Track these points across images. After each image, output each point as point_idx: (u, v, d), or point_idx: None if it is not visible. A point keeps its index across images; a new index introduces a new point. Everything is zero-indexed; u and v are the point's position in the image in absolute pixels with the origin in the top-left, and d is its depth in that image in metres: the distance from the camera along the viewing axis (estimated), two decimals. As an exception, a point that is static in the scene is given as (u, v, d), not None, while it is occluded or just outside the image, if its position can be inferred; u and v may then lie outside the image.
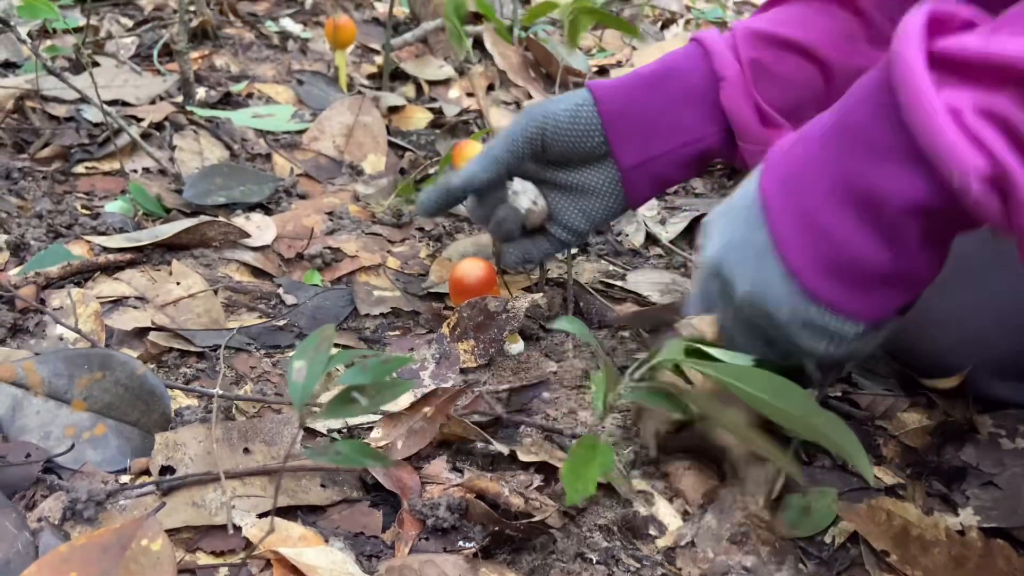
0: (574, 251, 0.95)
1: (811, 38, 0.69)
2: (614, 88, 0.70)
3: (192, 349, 0.66)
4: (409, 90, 1.40)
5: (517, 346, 0.72)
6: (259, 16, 1.59)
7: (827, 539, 0.58)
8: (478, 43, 1.63)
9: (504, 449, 0.60)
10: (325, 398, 0.65)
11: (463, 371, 0.68)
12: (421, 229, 0.95)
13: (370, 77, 1.43)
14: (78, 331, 0.62)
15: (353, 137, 1.12)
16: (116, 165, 0.94)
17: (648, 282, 0.88)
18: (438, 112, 1.28)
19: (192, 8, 1.38)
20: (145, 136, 0.98)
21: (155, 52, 1.21)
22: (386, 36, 1.33)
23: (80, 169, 0.92)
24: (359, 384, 0.34)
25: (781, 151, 0.54)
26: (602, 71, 1.69)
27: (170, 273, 0.74)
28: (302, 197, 0.98)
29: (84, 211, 0.85)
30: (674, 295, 0.86)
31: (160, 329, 0.66)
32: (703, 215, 1.07)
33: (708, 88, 0.68)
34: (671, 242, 1.01)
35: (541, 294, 0.80)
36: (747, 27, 0.70)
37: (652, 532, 0.56)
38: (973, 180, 0.41)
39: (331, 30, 1.24)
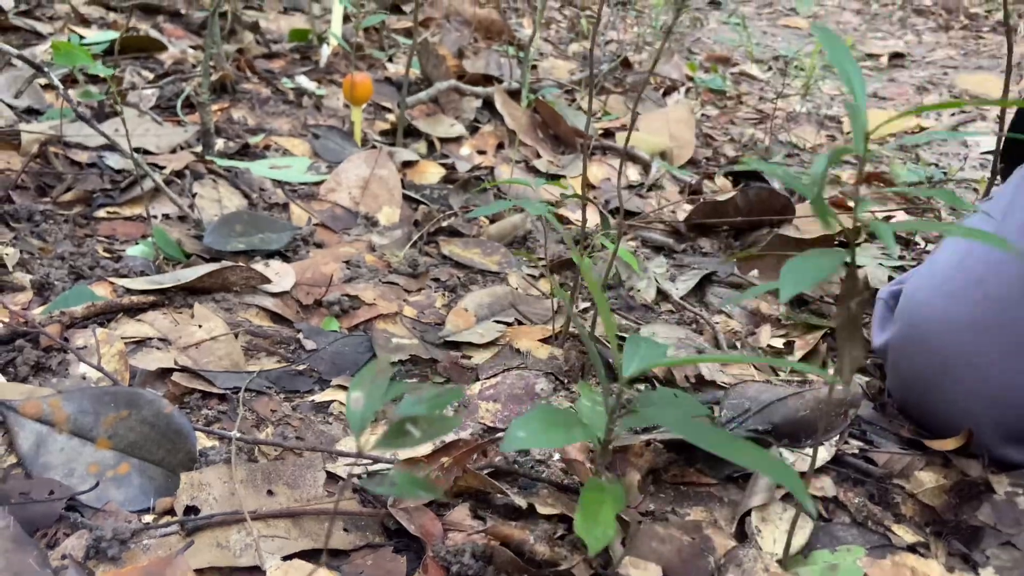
0: (584, 306, 0.97)
1: None
2: None
3: (213, 391, 0.66)
4: (421, 147, 1.43)
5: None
6: (275, 73, 1.63)
7: (852, 595, 0.57)
8: (488, 104, 1.67)
9: (522, 502, 0.60)
10: (343, 445, 0.65)
11: (482, 425, 0.68)
12: (436, 279, 0.96)
13: (383, 133, 1.46)
14: (102, 370, 0.62)
15: (369, 189, 1.14)
16: (137, 210, 0.95)
17: (661, 336, 0.89)
18: (450, 168, 1.31)
19: (212, 64, 1.41)
20: (166, 184, 1.00)
21: (178, 104, 1.23)
22: (402, 94, 1.37)
23: (102, 214, 0.93)
24: (413, 415, 0.34)
25: None
26: (607, 133, 1.73)
27: (192, 316, 0.74)
28: (319, 246, 1.00)
29: (105, 254, 0.85)
30: (688, 350, 0.87)
31: (183, 370, 0.66)
32: (712, 273, 1.09)
33: None
34: (682, 299, 1.02)
35: (561, 350, 0.80)
36: None
37: (676, 586, 0.56)
38: None
39: (349, 86, 1.27)
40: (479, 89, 1.62)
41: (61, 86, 0.84)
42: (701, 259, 1.17)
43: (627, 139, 0.95)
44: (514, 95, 1.69)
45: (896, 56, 3.27)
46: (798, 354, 0.89)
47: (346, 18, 2.07)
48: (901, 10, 4.41)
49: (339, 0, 1.40)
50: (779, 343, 0.93)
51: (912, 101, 2.59)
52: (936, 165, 1.95)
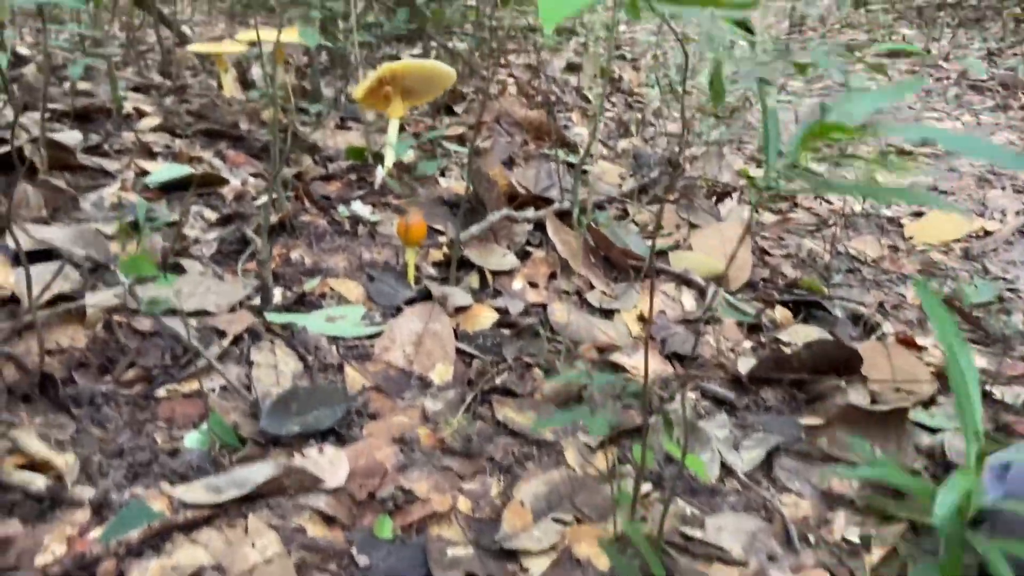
0: (647, 488, 0.93)
1: None
2: None
3: (267, 633, 0.64)
4: (474, 279, 1.43)
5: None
6: (331, 199, 1.66)
7: None
8: (540, 227, 1.67)
9: None
10: None
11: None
12: (491, 459, 0.94)
13: (436, 265, 1.46)
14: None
15: (422, 346, 1.13)
16: (196, 385, 0.96)
17: (730, 531, 0.85)
18: (503, 311, 1.30)
19: (274, 197, 1.44)
20: (222, 356, 1.00)
21: (239, 263, 1.25)
22: (456, 227, 1.37)
23: (161, 392, 0.94)
24: None
25: None
26: (660, 253, 1.70)
27: (246, 530, 0.73)
28: (373, 417, 0.99)
29: (164, 444, 0.85)
30: (758, 552, 0.82)
31: (236, 611, 0.64)
32: (780, 444, 1.04)
33: None
34: (747, 474, 0.98)
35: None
36: None
37: None
38: None
39: (403, 230, 1.28)
40: (530, 214, 1.62)
41: (126, 284, 0.85)
42: (765, 417, 1.12)
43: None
44: (565, 214, 1.68)
45: (955, 141, 3.20)
46: (876, 555, 0.84)
47: (401, 128, 2.11)
48: (956, 86, 4.35)
49: (392, 147, 1.43)
50: (854, 535, 0.87)
51: (974, 196, 2.52)
52: (1004, 279, 1.88)
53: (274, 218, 1.39)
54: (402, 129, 2.25)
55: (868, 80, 4.61)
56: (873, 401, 1.12)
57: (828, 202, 2.36)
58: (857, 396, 1.11)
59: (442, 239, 1.59)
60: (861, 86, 4.76)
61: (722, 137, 2.62)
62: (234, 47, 2.14)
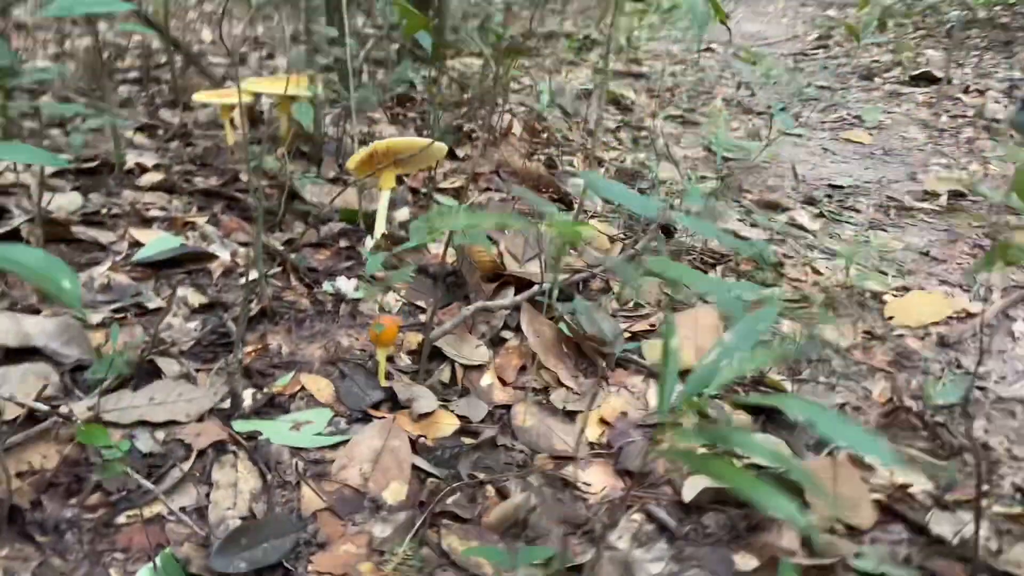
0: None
1: None
2: None
3: None
4: (445, 372, 1.48)
5: None
6: (319, 272, 1.72)
7: None
8: (517, 309, 1.71)
9: None
10: None
11: None
12: (428, 599, 1.00)
13: (410, 354, 1.52)
14: None
15: (380, 463, 1.19)
16: (156, 509, 1.02)
17: None
18: (465, 419, 1.35)
19: (255, 278, 1.50)
20: (184, 478, 1.07)
21: (215, 367, 1.31)
22: (429, 327, 1.42)
23: (122, 519, 1.00)
24: None
25: None
26: (633, 337, 1.74)
27: None
28: (322, 546, 1.05)
29: (118, 580, 0.92)
30: None
31: None
32: (708, 588, 1.09)
33: None
34: (671, 620, 1.03)
35: None
36: None
37: None
38: None
39: (374, 336, 1.33)
40: (507, 302, 1.67)
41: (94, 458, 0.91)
42: (704, 549, 1.17)
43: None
44: (544, 297, 1.72)
45: (956, 195, 3.19)
46: None
47: (399, 180, 2.16)
48: (971, 126, 4.31)
49: (382, 219, 1.47)
50: None
51: (965, 266, 2.53)
52: (975, 375, 1.90)
53: (255, 308, 1.45)
54: (400, 182, 2.30)
55: (882, 113, 4.59)
56: (807, 541, 1.16)
57: (818, 272, 2.38)
58: (791, 537, 1.16)
59: (423, 317, 1.64)
60: (874, 120, 4.69)
61: (717, 192, 2.64)
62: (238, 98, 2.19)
